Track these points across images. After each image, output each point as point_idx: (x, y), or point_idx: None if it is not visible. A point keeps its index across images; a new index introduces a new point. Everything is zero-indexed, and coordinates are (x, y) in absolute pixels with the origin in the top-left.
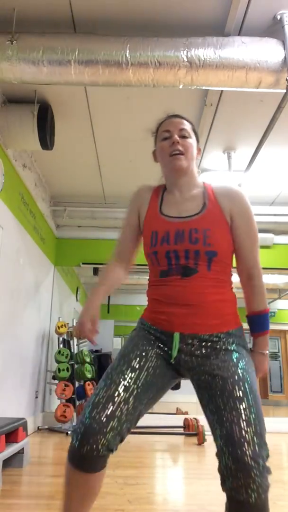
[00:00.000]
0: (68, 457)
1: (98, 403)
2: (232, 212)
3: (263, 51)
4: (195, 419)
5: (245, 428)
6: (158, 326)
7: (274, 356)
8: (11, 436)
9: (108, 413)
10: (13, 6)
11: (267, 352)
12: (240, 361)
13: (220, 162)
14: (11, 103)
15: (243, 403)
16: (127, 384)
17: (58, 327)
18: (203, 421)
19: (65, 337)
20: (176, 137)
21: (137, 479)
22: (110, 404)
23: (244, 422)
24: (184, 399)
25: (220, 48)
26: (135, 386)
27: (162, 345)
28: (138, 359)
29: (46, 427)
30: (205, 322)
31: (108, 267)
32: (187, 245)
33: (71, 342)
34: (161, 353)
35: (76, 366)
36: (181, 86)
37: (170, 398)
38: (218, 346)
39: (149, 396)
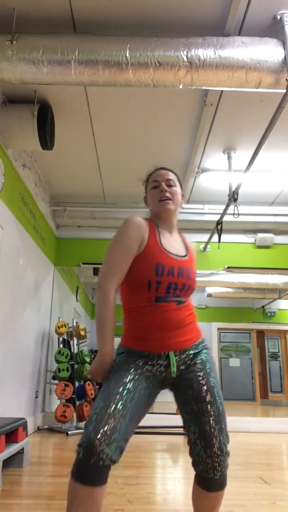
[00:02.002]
0: (74, 472)
1: (101, 419)
2: (194, 261)
3: (263, 51)
4: None
5: (214, 426)
6: (148, 350)
7: (274, 356)
8: (11, 436)
9: (111, 427)
10: (13, 6)
11: None
12: (212, 371)
13: (220, 162)
14: (11, 103)
15: (213, 406)
16: (124, 403)
17: (58, 327)
18: None
19: (65, 337)
20: (164, 185)
21: (137, 479)
22: (112, 419)
23: (213, 422)
24: None
25: (220, 48)
26: (130, 404)
27: (151, 367)
28: (132, 382)
29: (46, 427)
30: (188, 338)
31: (110, 303)
32: (185, 281)
33: (71, 342)
34: (150, 374)
35: (76, 366)
36: (181, 86)
37: (170, 398)
38: (195, 352)
39: (141, 410)
